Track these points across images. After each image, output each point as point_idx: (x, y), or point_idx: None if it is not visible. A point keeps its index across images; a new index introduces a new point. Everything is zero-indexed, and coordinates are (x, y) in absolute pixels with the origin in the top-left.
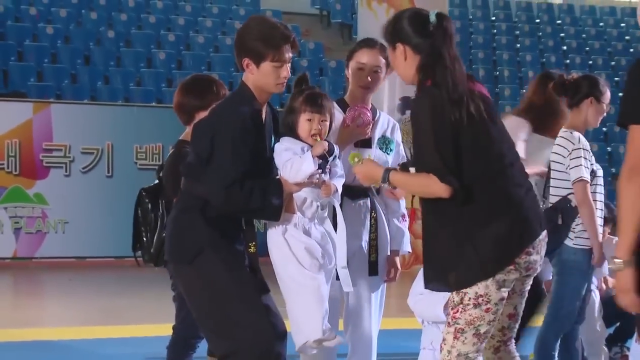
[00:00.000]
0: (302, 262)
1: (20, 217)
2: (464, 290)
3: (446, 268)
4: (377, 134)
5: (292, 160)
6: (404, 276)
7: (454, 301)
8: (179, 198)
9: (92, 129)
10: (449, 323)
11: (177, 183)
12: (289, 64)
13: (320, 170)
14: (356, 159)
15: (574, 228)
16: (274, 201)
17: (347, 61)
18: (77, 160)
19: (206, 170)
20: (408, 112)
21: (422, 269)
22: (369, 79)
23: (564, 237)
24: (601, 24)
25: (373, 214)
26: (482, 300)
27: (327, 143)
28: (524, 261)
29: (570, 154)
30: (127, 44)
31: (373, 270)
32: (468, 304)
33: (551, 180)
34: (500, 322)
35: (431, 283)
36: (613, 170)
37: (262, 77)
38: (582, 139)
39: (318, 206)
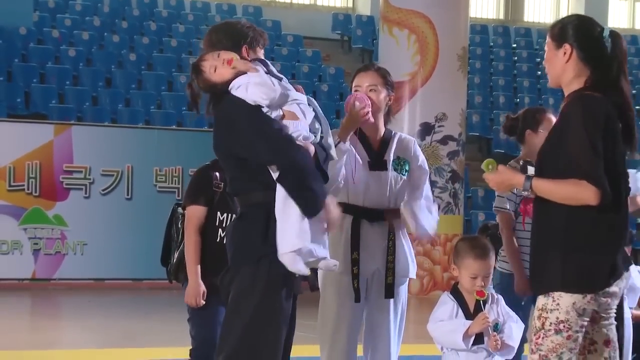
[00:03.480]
0: None
1: (39, 239)
2: (544, 316)
3: (538, 272)
4: (393, 156)
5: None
6: (422, 302)
7: (535, 327)
8: (240, 214)
9: (113, 151)
10: (532, 350)
11: (189, 192)
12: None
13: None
14: (490, 166)
15: (500, 252)
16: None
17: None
18: (97, 182)
19: (259, 156)
20: (428, 138)
21: (442, 296)
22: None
23: None
24: None
25: (391, 236)
26: (564, 326)
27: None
28: (603, 292)
29: None
30: (149, 67)
31: (389, 292)
32: (549, 330)
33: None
34: (600, 353)
35: (533, 281)
36: None
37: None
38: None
39: None
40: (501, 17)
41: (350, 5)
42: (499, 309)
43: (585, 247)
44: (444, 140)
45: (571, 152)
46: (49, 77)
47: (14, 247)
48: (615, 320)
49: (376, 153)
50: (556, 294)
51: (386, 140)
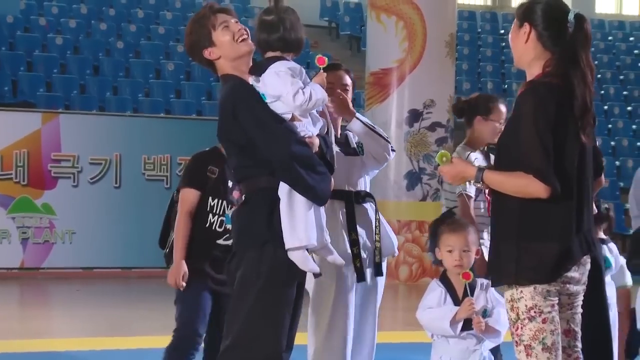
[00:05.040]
0: None
1: (27, 227)
2: (515, 306)
3: (494, 263)
4: (352, 144)
5: (306, 88)
6: (411, 289)
7: (511, 319)
8: (244, 200)
9: (101, 139)
10: (516, 342)
11: (184, 176)
12: (235, 20)
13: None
14: (444, 159)
15: None
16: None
17: None
18: (85, 170)
19: (257, 147)
20: (416, 125)
21: (430, 283)
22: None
23: None
24: (610, 37)
25: (377, 216)
26: (534, 312)
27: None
28: (562, 276)
29: None
30: (136, 54)
31: (379, 271)
32: (524, 319)
33: (442, 192)
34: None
35: (490, 274)
36: (621, 184)
37: (224, 46)
38: (473, 155)
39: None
40: (489, 3)
41: None
42: (488, 295)
43: (537, 237)
44: (432, 127)
45: (522, 147)
46: (36, 65)
47: (2, 236)
48: (602, 306)
49: (344, 142)
50: None
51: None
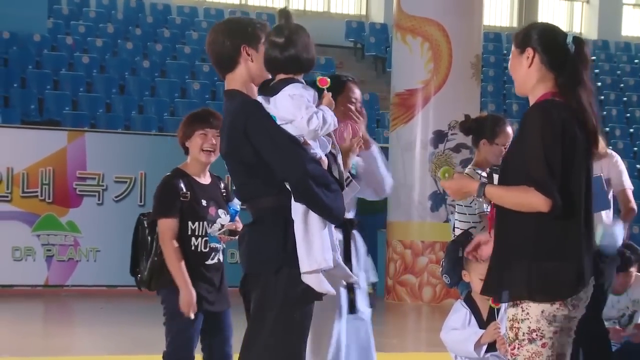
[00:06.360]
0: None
1: (52, 245)
2: (516, 326)
3: (502, 280)
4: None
5: (319, 112)
6: (434, 310)
7: (509, 337)
8: (254, 219)
9: (126, 158)
10: None
11: (159, 205)
12: None
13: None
14: (446, 174)
15: None
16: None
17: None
18: (110, 189)
19: (271, 167)
20: (441, 146)
21: (455, 303)
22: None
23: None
24: (636, 60)
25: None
26: (536, 335)
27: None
28: (572, 298)
29: None
30: (162, 74)
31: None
32: (523, 339)
33: (456, 214)
34: None
35: (488, 290)
36: None
37: (260, 62)
38: (484, 175)
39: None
40: (514, 24)
41: (363, 12)
42: None
43: (550, 255)
44: (457, 148)
45: (525, 160)
46: (62, 83)
47: (27, 253)
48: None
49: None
50: (524, 304)
51: None
